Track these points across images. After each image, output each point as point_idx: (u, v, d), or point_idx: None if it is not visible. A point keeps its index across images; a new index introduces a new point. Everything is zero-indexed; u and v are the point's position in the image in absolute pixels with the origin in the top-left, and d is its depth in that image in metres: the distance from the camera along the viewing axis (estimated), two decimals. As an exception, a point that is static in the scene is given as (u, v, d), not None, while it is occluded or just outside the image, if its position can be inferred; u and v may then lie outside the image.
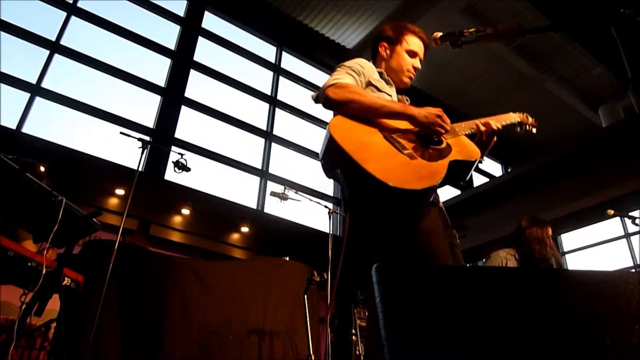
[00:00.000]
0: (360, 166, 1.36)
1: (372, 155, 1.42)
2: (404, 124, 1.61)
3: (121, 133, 3.67)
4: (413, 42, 1.88)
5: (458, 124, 1.75)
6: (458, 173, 1.62)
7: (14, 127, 5.76)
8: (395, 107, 1.57)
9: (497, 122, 1.81)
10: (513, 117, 2.02)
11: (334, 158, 1.47)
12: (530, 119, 2.11)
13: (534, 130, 2.11)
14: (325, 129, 1.56)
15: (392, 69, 1.87)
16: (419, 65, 1.88)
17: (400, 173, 1.38)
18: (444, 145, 1.59)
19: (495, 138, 1.78)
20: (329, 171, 1.53)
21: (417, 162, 1.45)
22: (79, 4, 7.10)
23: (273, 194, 4.69)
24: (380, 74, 1.86)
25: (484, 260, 3.22)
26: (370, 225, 1.61)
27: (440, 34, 1.79)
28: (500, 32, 1.55)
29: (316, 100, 1.68)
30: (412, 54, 1.88)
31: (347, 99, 1.55)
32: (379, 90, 1.75)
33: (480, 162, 1.78)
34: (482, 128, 1.75)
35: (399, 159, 1.45)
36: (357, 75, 1.71)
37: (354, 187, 1.45)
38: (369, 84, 1.75)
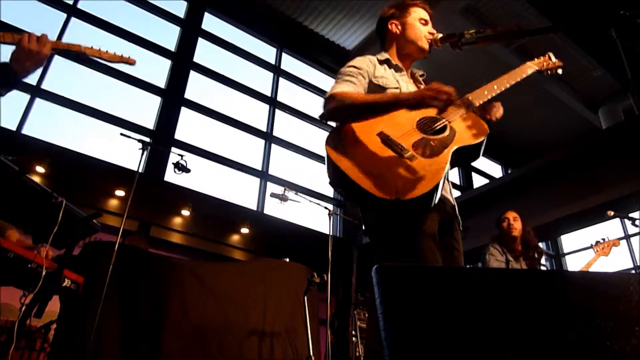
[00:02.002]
0: (358, 185, 1.35)
1: (368, 168, 1.40)
2: (403, 118, 1.57)
3: (121, 134, 3.67)
4: (420, 12, 1.86)
5: (472, 94, 1.72)
6: (468, 155, 1.59)
7: (14, 128, 5.76)
8: (388, 98, 1.56)
9: (508, 81, 1.78)
10: (529, 68, 1.91)
11: (333, 176, 1.46)
12: (552, 60, 1.95)
13: (560, 71, 1.95)
14: (324, 129, 1.57)
15: (408, 41, 1.83)
16: (433, 31, 1.83)
17: (400, 182, 1.36)
18: (446, 132, 1.54)
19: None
20: (335, 190, 1.54)
21: (418, 163, 1.41)
22: (79, 5, 7.10)
23: (273, 195, 4.69)
24: (387, 61, 1.81)
25: (483, 257, 3.29)
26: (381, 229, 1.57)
27: (440, 35, 1.79)
28: (500, 33, 1.55)
29: (321, 117, 1.67)
30: (424, 21, 1.85)
31: (339, 107, 1.56)
32: (383, 88, 1.71)
33: (491, 121, 1.75)
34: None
35: (398, 164, 1.41)
36: (355, 78, 1.68)
37: (358, 204, 1.46)
38: (371, 84, 1.71)
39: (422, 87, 1.84)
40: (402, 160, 1.42)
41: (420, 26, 1.83)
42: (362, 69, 1.72)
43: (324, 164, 1.51)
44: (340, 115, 1.59)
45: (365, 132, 1.52)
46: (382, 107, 1.54)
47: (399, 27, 1.86)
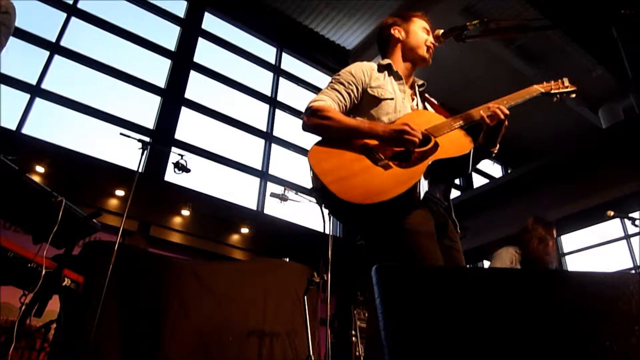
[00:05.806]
0: (327, 188, 1.40)
1: (341, 174, 1.45)
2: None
3: (121, 134, 3.67)
4: (422, 23, 1.91)
5: (474, 109, 1.66)
6: (455, 168, 1.62)
7: (14, 128, 5.77)
8: (363, 129, 1.57)
9: (508, 102, 1.70)
10: (535, 90, 1.82)
11: (314, 185, 1.51)
12: (566, 83, 1.84)
13: (573, 95, 1.86)
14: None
15: (410, 48, 1.85)
16: (434, 42, 1.86)
17: (368, 186, 1.41)
18: (430, 145, 1.55)
19: (504, 124, 1.63)
20: (317, 201, 1.61)
21: (392, 171, 1.46)
22: (79, 5, 7.10)
23: (273, 195, 4.69)
24: (389, 66, 1.81)
25: (492, 257, 3.18)
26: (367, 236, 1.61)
27: (442, 30, 1.80)
28: (502, 27, 1.55)
29: (302, 128, 1.74)
30: (426, 31, 1.88)
31: (317, 125, 1.63)
32: (377, 98, 1.70)
33: (492, 153, 1.72)
34: (485, 118, 1.61)
35: (371, 172, 1.46)
36: (346, 87, 1.71)
37: (331, 211, 1.52)
38: (365, 93, 1.72)
39: (418, 102, 1.88)
40: (376, 169, 1.47)
41: (422, 34, 1.87)
42: (356, 77, 1.74)
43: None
44: (320, 132, 1.65)
45: (347, 145, 1.57)
46: (359, 135, 1.57)
47: (402, 33, 1.88)
